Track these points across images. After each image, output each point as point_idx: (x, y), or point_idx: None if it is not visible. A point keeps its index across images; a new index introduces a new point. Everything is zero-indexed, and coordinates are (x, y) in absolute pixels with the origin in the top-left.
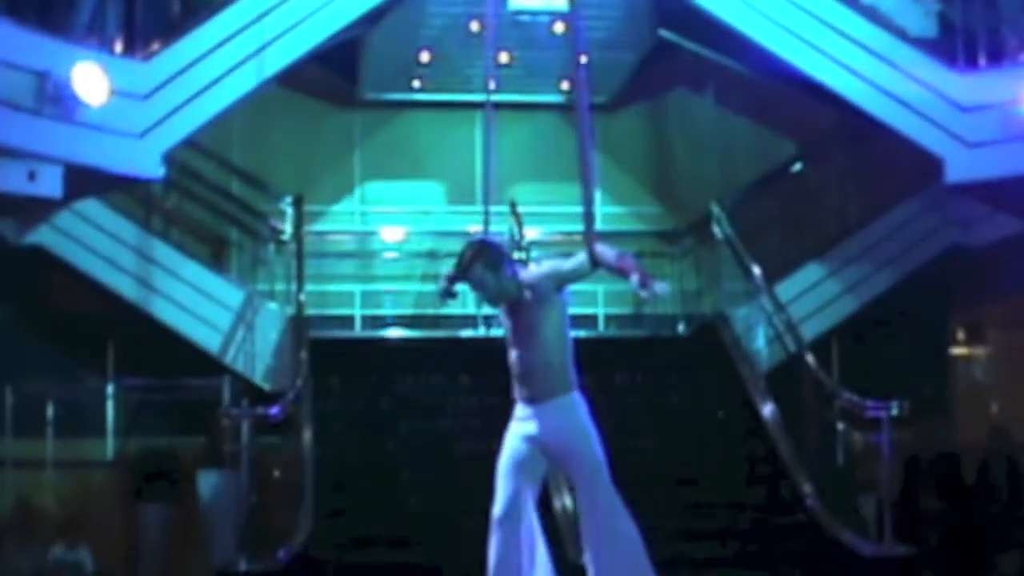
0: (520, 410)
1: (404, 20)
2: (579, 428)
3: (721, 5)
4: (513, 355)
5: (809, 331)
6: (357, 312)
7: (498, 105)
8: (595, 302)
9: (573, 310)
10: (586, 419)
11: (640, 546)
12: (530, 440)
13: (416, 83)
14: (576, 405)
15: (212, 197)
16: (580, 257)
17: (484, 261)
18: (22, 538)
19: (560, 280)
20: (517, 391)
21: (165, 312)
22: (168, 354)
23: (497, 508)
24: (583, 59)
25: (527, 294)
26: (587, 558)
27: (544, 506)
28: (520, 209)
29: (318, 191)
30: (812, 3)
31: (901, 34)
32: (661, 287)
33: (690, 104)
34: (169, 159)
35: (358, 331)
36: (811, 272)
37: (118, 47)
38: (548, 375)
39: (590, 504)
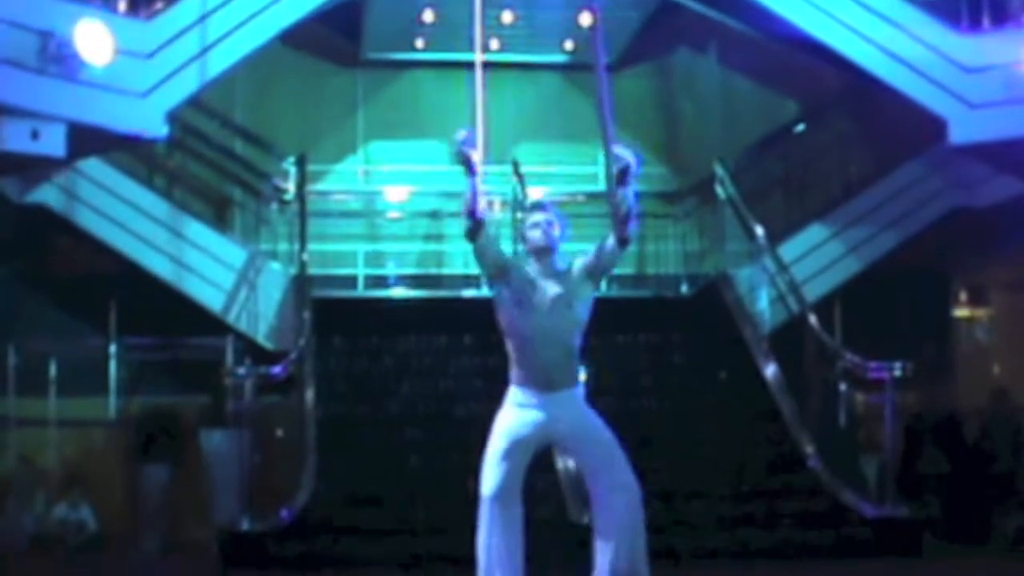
0: (525, 398)
1: None
2: (593, 415)
3: None
4: (535, 335)
5: (812, 292)
6: (360, 272)
7: (501, 65)
8: None
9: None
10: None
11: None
12: (539, 427)
13: (419, 42)
14: (582, 397)
15: (215, 156)
16: (607, 242)
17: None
18: (25, 497)
19: (592, 268)
20: (529, 378)
21: (168, 271)
22: (171, 313)
23: (489, 487)
24: (595, 16)
25: (572, 271)
26: (603, 536)
27: (546, 467)
28: (523, 169)
29: (321, 150)
30: None
31: None
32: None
33: (694, 64)
34: (172, 118)
35: (361, 291)
36: (814, 233)
37: (121, 6)
38: (571, 362)
39: (610, 486)
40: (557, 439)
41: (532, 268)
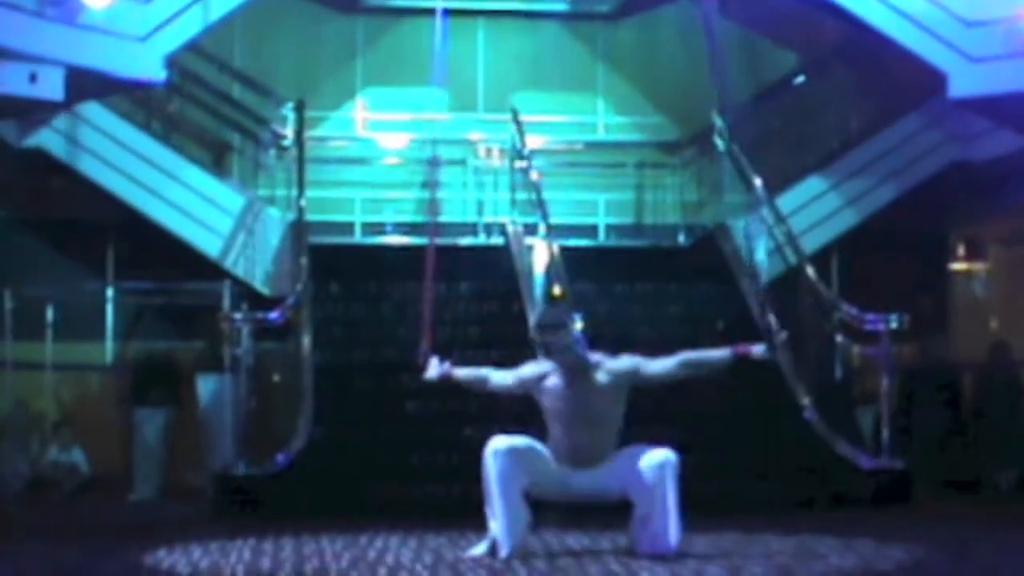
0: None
1: None
2: (635, 457)
3: None
4: (562, 431)
5: (810, 244)
6: (357, 218)
7: (501, 13)
8: (596, 211)
9: (573, 219)
10: (630, 449)
11: None
12: (587, 481)
13: None
14: (622, 451)
15: (214, 102)
16: (650, 373)
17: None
18: (21, 440)
19: (623, 378)
20: (561, 456)
21: (165, 216)
22: (168, 258)
23: (504, 444)
24: None
25: (601, 376)
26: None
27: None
28: (521, 117)
29: (320, 97)
30: None
31: None
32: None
33: (693, 14)
34: (171, 63)
35: (358, 237)
36: (812, 185)
37: None
38: (599, 452)
39: (650, 483)
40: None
41: (561, 370)
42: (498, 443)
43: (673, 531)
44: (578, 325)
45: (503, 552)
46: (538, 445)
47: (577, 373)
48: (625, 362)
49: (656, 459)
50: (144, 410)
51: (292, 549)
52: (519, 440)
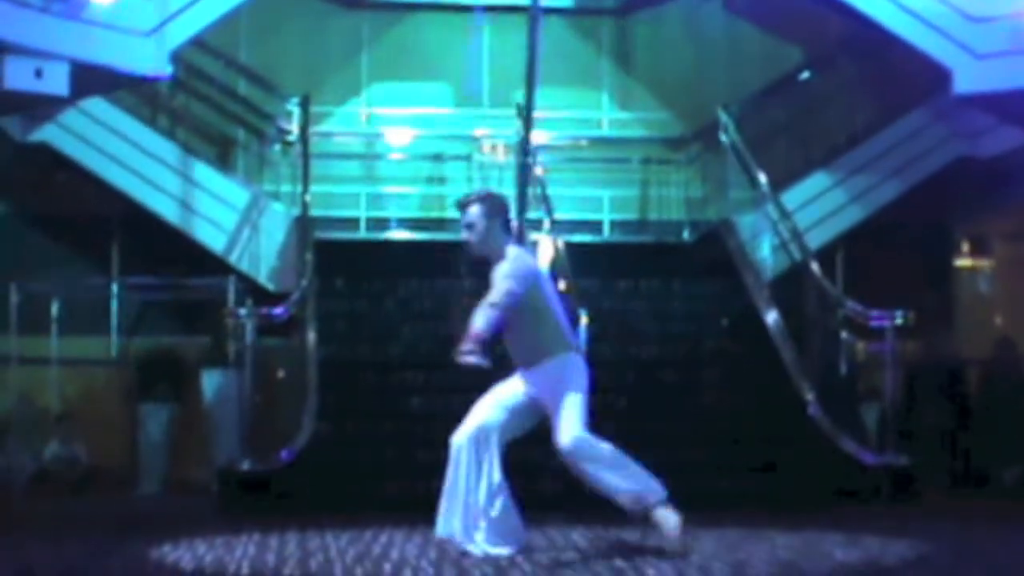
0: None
1: None
2: (557, 386)
3: None
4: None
5: (814, 240)
6: (362, 214)
7: (505, 9)
8: (600, 208)
9: (578, 215)
10: (568, 378)
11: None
12: (526, 393)
13: None
14: (557, 367)
15: (219, 97)
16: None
17: (485, 205)
18: (25, 435)
19: None
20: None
21: (170, 211)
22: (173, 254)
23: (461, 437)
24: None
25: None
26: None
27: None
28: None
29: (325, 92)
30: None
31: None
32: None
33: (699, 10)
34: (176, 58)
35: (363, 233)
36: (817, 181)
37: None
38: (524, 351)
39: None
40: (541, 405)
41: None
42: (457, 437)
43: (617, 489)
44: (478, 208)
45: (461, 545)
46: (496, 396)
47: (491, 263)
48: (499, 270)
49: (561, 447)
50: (149, 405)
51: (297, 544)
52: (475, 417)
